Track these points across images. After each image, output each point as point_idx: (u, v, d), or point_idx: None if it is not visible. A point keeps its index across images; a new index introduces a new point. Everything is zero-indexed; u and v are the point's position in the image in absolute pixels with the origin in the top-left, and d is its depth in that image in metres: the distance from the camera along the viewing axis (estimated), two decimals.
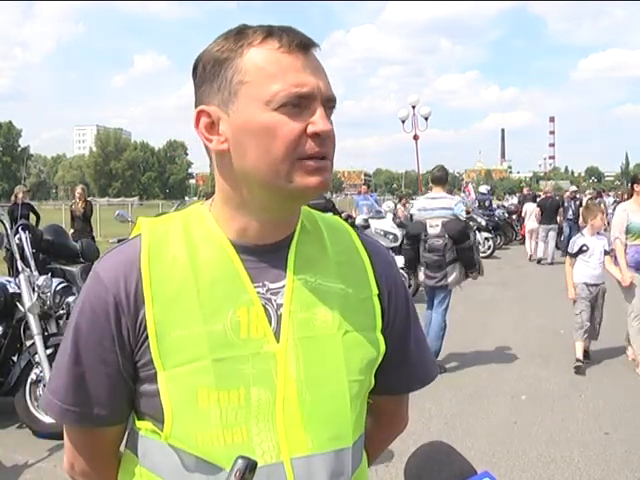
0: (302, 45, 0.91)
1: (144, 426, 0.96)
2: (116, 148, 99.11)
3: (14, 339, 4.36)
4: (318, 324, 0.96)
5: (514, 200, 22.68)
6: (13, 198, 10.80)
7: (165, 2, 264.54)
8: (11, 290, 4.33)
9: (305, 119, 0.89)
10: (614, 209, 7.44)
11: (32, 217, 10.54)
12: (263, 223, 0.97)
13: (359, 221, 9.65)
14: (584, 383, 5.27)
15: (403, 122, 17.61)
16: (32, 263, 4.45)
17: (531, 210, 14.91)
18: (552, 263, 13.61)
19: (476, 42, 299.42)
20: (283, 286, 0.96)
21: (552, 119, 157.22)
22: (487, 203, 17.27)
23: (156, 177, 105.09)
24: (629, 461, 3.80)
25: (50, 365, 3.92)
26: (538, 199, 16.26)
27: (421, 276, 5.62)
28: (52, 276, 4.70)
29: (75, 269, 5.99)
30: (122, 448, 1.06)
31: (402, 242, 9.35)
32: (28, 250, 4.52)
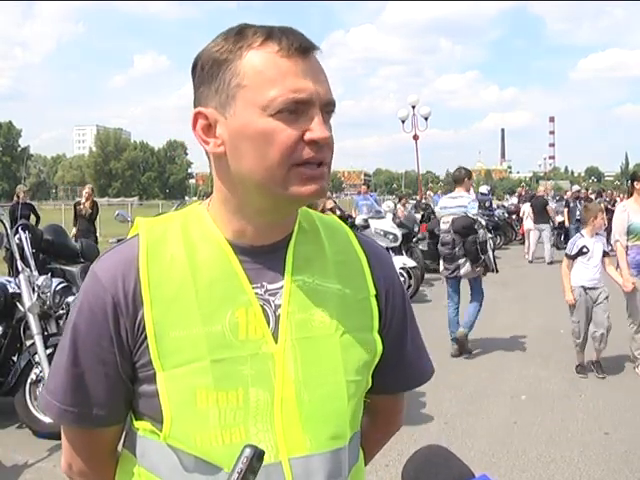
0: (302, 49, 0.90)
1: (142, 426, 0.96)
2: (116, 148, 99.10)
3: (14, 339, 4.36)
4: (316, 325, 0.96)
5: (514, 200, 22.72)
6: (15, 198, 10.79)
7: (165, 2, 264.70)
8: (11, 290, 4.34)
9: (302, 125, 0.89)
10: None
11: (32, 217, 10.54)
12: (260, 225, 0.97)
13: (359, 221, 9.64)
14: (584, 383, 5.28)
15: (403, 122, 17.62)
16: (32, 263, 4.45)
17: (528, 210, 14.94)
18: (552, 262, 13.60)
19: (476, 42, 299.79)
20: (281, 287, 0.96)
21: (552, 119, 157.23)
22: (487, 203, 17.29)
23: (156, 177, 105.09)
24: (629, 461, 3.80)
25: (50, 365, 3.92)
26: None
27: (441, 267, 6.33)
28: (52, 276, 4.70)
29: (75, 269, 5.99)
30: (119, 448, 1.06)
31: (402, 242, 9.38)
32: (28, 250, 4.52)
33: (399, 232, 9.49)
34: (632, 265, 5.37)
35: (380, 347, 1.03)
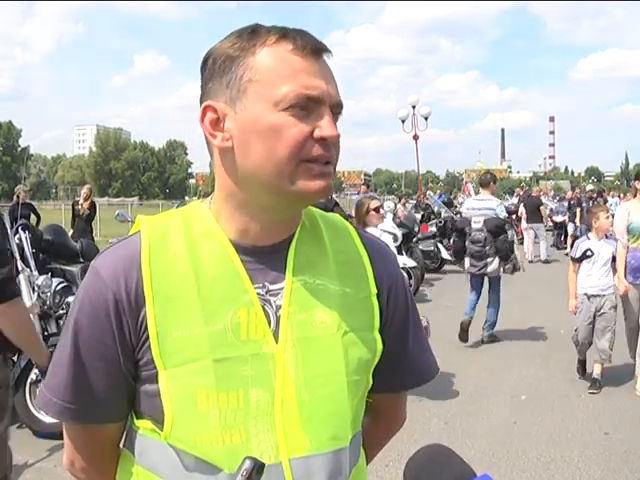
0: (315, 49, 0.91)
1: (143, 425, 0.96)
2: (116, 148, 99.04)
3: None
4: (317, 325, 0.96)
5: (514, 200, 22.75)
6: (15, 198, 10.76)
7: (165, 2, 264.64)
8: None
9: (312, 123, 0.89)
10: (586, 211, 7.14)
11: (33, 217, 10.54)
12: (263, 224, 0.96)
13: None
14: (584, 383, 5.27)
15: (403, 122, 17.62)
16: (32, 263, 4.45)
17: (521, 210, 15.00)
18: (547, 261, 13.61)
19: (476, 42, 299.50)
20: (282, 287, 0.96)
21: (552, 119, 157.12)
22: None
23: (156, 177, 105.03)
24: (629, 461, 3.80)
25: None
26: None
27: (467, 264, 6.59)
28: (52, 276, 4.70)
29: (75, 269, 5.98)
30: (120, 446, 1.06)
31: (402, 242, 9.40)
32: (28, 250, 4.52)
33: (399, 232, 9.49)
34: (628, 270, 5.08)
35: (380, 346, 1.02)
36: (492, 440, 4.14)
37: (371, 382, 1.03)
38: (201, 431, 0.90)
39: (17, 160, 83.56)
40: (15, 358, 4.36)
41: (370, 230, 5.21)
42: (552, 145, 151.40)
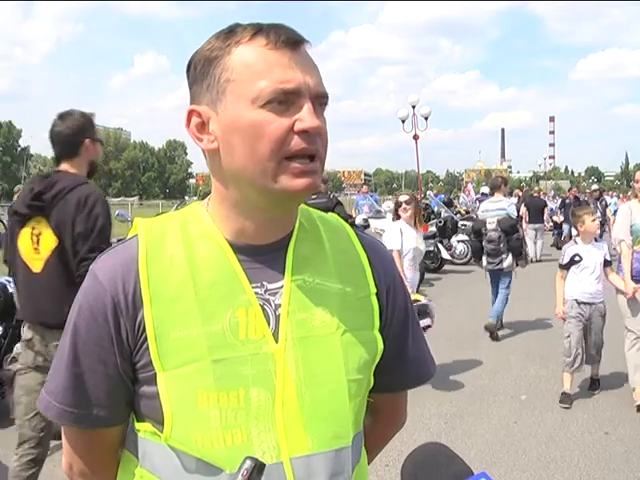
0: (289, 41, 0.90)
1: (144, 427, 0.96)
2: (116, 148, 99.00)
3: (14, 339, 4.35)
4: (317, 324, 0.96)
5: (513, 200, 22.78)
6: (15, 198, 10.74)
7: (165, 2, 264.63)
8: (11, 290, 4.34)
9: (292, 116, 0.88)
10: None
11: None
12: (258, 223, 0.96)
13: (359, 221, 9.67)
14: (584, 383, 5.26)
15: (403, 122, 17.59)
16: None
17: (522, 210, 15.01)
18: (540, 260, 13.62)
19: (476, 42, 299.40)
20: (281, 286, 0.96)
21: (552, 119, 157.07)
22: None
23: (156, 177, 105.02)
24: (629, 461, 3.80)
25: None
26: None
27: (484, 262, 7.11)
28: None
29: None
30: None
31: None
32: None
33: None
34: (633, 273, 4.75)
35: (381, 345, 1.02)
36: (492, 440, 4.14)
37: (372, 382, 1.03)
38: (202, 432, 0.90)
39: (17, 160, 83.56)
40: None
41: (398, 223, 5.31)
42: (552, 145, 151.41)
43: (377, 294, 1.03)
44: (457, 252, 13.38)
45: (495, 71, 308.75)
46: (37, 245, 2.67)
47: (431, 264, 11.95)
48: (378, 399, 1.11)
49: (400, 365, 1.09)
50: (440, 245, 12.44)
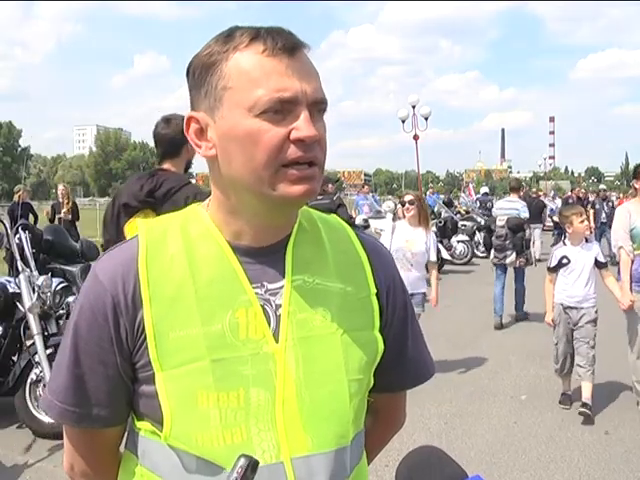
0: (287, 47, 0.89)
1: (143, 426, 0.96)
2: (116, 148, 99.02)
3: (14, 339, 4.36)
4: (317, 324, 0.96)
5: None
6: (16, 197, 10.68)
7: (165, 2, 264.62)
8: (11, 290, 4.34)
9: (288, 124, 0.88)
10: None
11: (31, 217, 10.51)
12: (256, 228, 0.96)
13: (359, 221, 9.67)
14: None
15: (403, 122, 17.56)
16: (32, 263, 4.45)
17: None
18: (539, 260, 13.62)
19: (476, 42, 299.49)
20: (282, 287, 0.96)
21: (552, 119, 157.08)
22: (489, 204, 17.41)
23: None
24: (629, 461, 3.80)
25: (50, 365, 3.92)
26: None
27: (491, 255, 7.82)
28: (52, 276, 4.69)
29: (75, 269, 5.99)
30: (122, 448, 1.06)
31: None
32: (28, 250, 4.51)
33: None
34: (634, 279, 4.40)
35: (382, 346, 1.02)
36: (492, 440, 4.14)
37: (372, 382, 1.03)
38: (202, 431, 0.90)
39: (17, 160, 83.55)
40: (15, 358, 4.38)
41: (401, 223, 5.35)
42: (552, 145, 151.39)
43: (377, 294, 1.04)
44: (457, 252, 13.40)
45: (495, 71, 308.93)
46: None
47: (439, 260, 11.93)
48: (377, 399, 1.11)
49: (400, 365, 1.09)
50: (440, 245, 12.43)
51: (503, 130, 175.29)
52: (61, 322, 4.76)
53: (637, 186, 4.60)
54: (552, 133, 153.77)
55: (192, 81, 0.95)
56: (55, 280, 4.68)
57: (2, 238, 4.80)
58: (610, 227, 6.97)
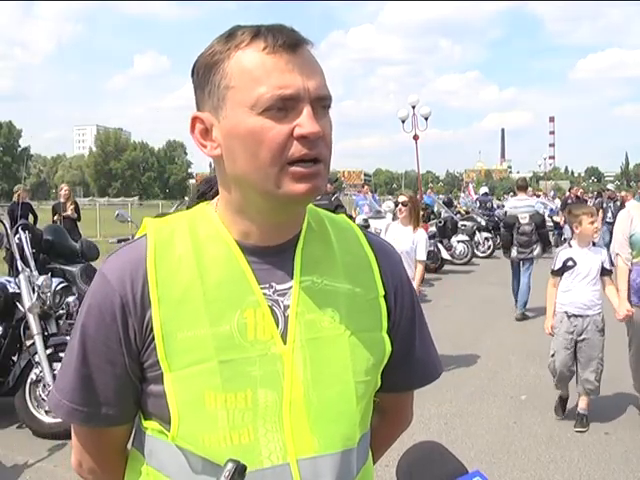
0: (288, 44, 0.89)
1: (151, 426, 0.97)
2: (116, 148, 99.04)
3: (14, 339, 4.36)
4: (325, 325, 0.96)
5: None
6: (16, 197, 10.67)
7: (165, 2, 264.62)
8: (11, 290, 4.34)
9: (291, 121, 0.88)
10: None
11: (30, 217, 10.50)
12: (263, 227, 0.96)
13: (359, 221, 9.67)
14: None
15: (403, 122, 17.56)
16: (32, 263, 4.45)
17: None
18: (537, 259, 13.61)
19: (476, 42, 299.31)
20: (290, 287, 0.96)
21: (552, 119, 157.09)
22: (489, 204, 17.44)
23: (156, 177, 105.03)
24: (629, 461, 3.80)
25: (50, 365, 3.92)
26: None
27: (514, 252, 8.10)
28: (52, 276, 4.69)
29: (75, 269, 5.99)
30: (129, 446, 1.07)
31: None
32: (28, 250, 4.52)
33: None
34: (633, 290, 4.13)
35: (389, 347, 1.02)
36: (492, 440, 4.14)
37: (379, 383, 1.03)
38: (209, 432, 0.90)
39: (17, 160, 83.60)
40: (15, 358, 4.38)
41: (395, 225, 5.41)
42: (552, 145, 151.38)
43: (385, 296, 1.03)
44: (457, 252, 13.40)
45: (495, 71, 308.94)
46: None
47: (431, 264, 11.94)
48: (384, 399, 1.11)
49: (407, 365, 1.09)
50: (440, 245, 12.45)
51: (503, 130, 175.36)
52: (61, 322, 4.77)
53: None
54: (552, 133, 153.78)
55: (196, 82, 0.95)
56: (55, 280, 4.68)
57: (2, 238, 4.80)
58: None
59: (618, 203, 14.97)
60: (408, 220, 5.41)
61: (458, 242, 13.49)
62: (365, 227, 9.42)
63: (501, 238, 9.61)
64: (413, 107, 17.57)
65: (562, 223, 16.87)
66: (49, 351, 3.97)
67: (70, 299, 4.95)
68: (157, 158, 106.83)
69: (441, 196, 24.41)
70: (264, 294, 0.95)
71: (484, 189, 21.15)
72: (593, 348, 4.19)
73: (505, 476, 3.61)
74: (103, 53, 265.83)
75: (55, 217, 10.36)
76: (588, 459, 3.84)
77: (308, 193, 0.90)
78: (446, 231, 13.18)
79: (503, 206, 21.32)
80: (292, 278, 0.97)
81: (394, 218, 11.05)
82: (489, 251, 14.82)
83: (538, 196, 17.41)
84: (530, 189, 22.08)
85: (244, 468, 0.82)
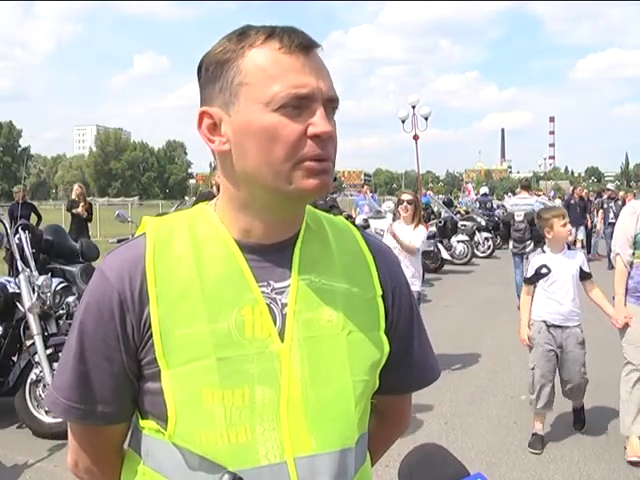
0: (303, 46, 0.91)
1: (148, 425, 0.97)
2: (116, 148, 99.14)
3: (14, 339, 4.36)
4: (323, 324, 0.96)
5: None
6: (15, 197, 10.72)
7: (165, 2, 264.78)
8: (11, 290, 4.34)
9: (305, 120, 0.89)
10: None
11: (33, 217, 10.51)
12: (266, 223, 0.97)
13: (359, 221, 9.65)
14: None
15: (403, 122, 17.57)
16: (32, 263, 4.45)
17: None
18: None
19: (476, 42, 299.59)
20: (288, 285, 0.97)
21: (552, 119, 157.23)
22: (488, 204, 17.45)
23: (156, 177, 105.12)
24: None
25: (50, 365, 3.92)
26: None
27: (510, 246, 8.83)
28: (52, 276, 4.69)
29: (75, 269, 5.99)
30: (125, 446, 1.06)
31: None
32: (28, 250, 4.51)
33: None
34: (632, 291, 3.79)
35: (387, 347, 1.02)
36: (492, 440, 4.14)
37: (377, 384, 1.03)
38: (206, 430, 0.90)
39: (17, 160, 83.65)
40: (15, 358, 4.38)
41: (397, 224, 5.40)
42: (552, 145, 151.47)
43: (383, 296, 1.04)
44: (457, 252, 13.40)
45: (495, 71, 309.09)
46: None
47: (431, 264, 11.95)
48: (382, 401, 1.11)
49: (404, 367, 1.09)
50: (440, 245, 12.45)
51: (503, 130, 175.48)
52: (61, 322, 4.76)
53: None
54: (552, 133, 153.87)
55: (205, 77, 0.95)
56: (55, 280, 4.68)
57: (2, 238, 4.80)
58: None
59: (619, 202, 14.88)
60: (411, 219, 5.41)
61: (458, 242, 13.50)
62: (365, 227, 9.43)
63: (500, 233, 10.14)
64: (413, 107, 17.58)
65: None
66: (49, 351, 3.96)
67: (70, 299, 4.95)
68: (157, 158, 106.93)
69: (441, 196, 24.44)
70: (262, 292, 0.95)
71: (484, 189, 21.21)
72: (574, 362, 3.96)
73: (505, 476, 3.61)
74: (103, 53, 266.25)
75: (73, 210, 10.52)
76: (588, 459, 3.84)
77: (318, 188, 0.91)
78: (446, 231, 13.19)
79: (503, 206, 21.49)
80: (290, 276, 0.97)
81: (394, 218, 11.07)
82: (489, 251, 14.82)
83: (538, 196, 17.41)
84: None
85: None
